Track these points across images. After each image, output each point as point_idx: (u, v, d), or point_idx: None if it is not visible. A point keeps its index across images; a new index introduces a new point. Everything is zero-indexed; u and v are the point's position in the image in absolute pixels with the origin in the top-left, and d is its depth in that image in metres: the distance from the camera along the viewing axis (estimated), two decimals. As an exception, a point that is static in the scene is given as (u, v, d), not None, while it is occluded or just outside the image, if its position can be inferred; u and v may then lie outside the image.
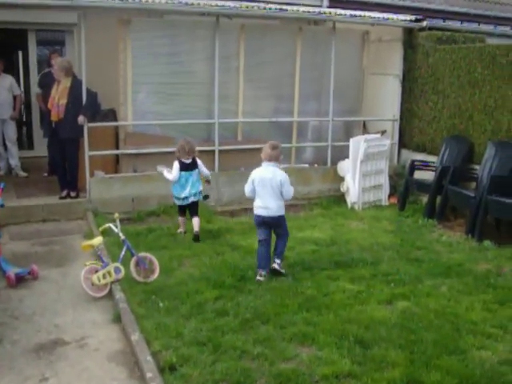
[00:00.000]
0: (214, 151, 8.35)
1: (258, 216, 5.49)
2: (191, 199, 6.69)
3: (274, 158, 5.51)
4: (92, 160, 7.66)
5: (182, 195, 6.66)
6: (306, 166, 9.19)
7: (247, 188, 5.56)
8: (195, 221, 6.63)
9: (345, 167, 8.74)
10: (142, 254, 5.47)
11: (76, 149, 7.66)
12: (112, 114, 8.81)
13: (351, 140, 8.63)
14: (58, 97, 7.43)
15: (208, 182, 6.92)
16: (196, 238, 6.54)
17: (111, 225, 5.42)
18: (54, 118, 7.46)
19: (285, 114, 9.19)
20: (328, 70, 9.12)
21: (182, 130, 8.25)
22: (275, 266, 5.49)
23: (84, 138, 7.55)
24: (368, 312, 4.68)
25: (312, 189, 9.03)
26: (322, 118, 9.38)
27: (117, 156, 8.31)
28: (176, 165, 6.61)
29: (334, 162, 9.10)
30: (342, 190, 8.79)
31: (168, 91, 8.35)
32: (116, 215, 5.44)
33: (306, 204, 8.61)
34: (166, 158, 7.70)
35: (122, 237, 5.37)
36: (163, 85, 8.32)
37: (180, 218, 6.88)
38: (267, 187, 5.43)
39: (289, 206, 8.58)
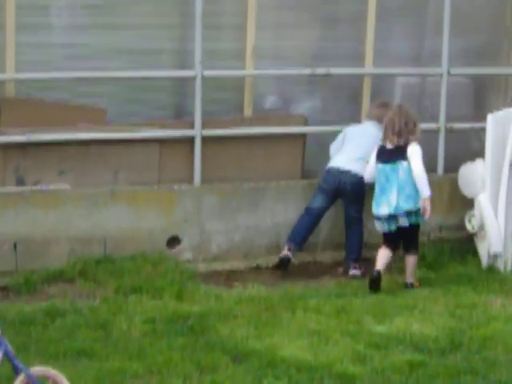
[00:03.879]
0: (191, 140, 8.47)
1: (333, 169, 8.53)
2: (401, 221, 8.10)
3: (374, 117, 8.66)
4: None
5: (382, 210, 8.17)
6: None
7: (334, 146, 8.75)
8: (408, 262, 8.35)
9: (475, 178, 8.83)
10: (38, 370, 5.39)
11: None
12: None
13: (489, 118, 8.71)
14: None
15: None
16: (408, 286, 8.29)
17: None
18: None
19: (344, 61, 9.30)
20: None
21: (124, 94, 8.48)
22: (355, 272, 8.48)
23: None
24: None
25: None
26: (426, 70, 9.64)
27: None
28: (373, 153, 8.45)
29: (452, 168, 9.24)
30: (468, 227, 8.92)
31: (95, 6, 8.51)
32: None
33: (392, 257, 8.61)
34: (92, 155, 7.94)
35: (-5, 331, 5.37)
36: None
37: (381, 251, 8.25)
38: (354, 139, 8.60)
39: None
